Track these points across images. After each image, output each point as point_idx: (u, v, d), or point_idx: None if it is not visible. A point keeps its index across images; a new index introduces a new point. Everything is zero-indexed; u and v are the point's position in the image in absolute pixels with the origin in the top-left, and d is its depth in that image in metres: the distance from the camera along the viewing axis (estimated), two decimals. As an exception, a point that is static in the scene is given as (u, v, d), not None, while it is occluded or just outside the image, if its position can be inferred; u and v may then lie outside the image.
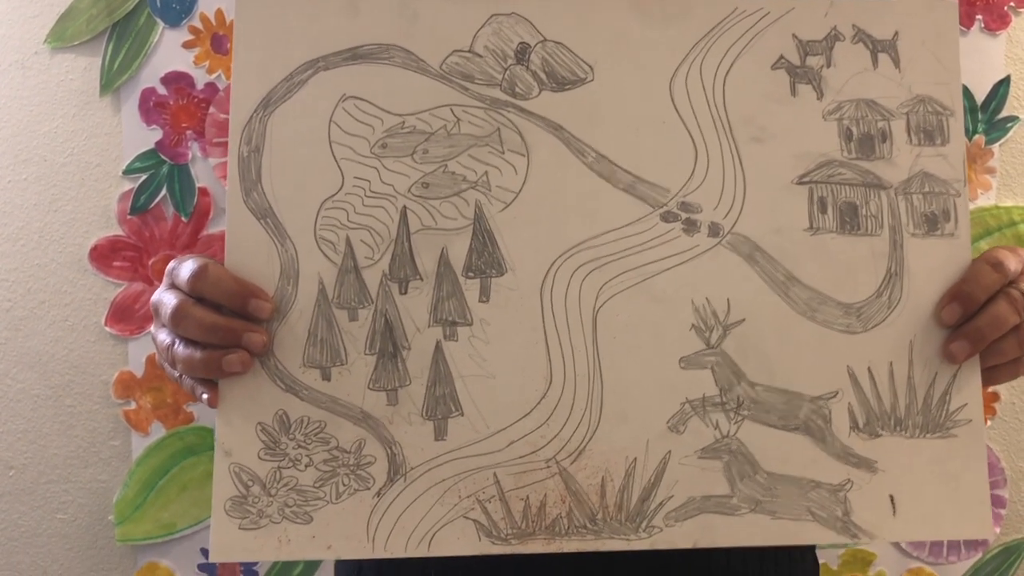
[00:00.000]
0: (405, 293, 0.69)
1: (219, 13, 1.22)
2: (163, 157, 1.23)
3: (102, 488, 1.27)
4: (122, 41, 1.23)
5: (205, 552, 1.25)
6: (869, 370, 0.70)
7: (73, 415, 1.27)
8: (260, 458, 0.68)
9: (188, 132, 1.23)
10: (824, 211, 0.71)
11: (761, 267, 0.70)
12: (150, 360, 1.24)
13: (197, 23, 1.23)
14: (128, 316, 1.25)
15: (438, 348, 0.69)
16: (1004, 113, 1.28)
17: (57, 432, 1.27)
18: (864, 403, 0.70)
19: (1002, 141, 1.28)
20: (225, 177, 1.20)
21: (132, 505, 1.25)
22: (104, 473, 1.27)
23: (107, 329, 1.25)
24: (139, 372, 1.25)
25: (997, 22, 1.27)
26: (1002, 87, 1.28)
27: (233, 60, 0.70)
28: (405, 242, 0.70)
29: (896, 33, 0.73)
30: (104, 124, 1.25)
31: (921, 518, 0.70)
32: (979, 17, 1.26)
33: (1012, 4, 1.27)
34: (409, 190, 0.70)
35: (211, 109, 1.22)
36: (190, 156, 1.23)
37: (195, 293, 0.67)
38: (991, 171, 1.28)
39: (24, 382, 1.26)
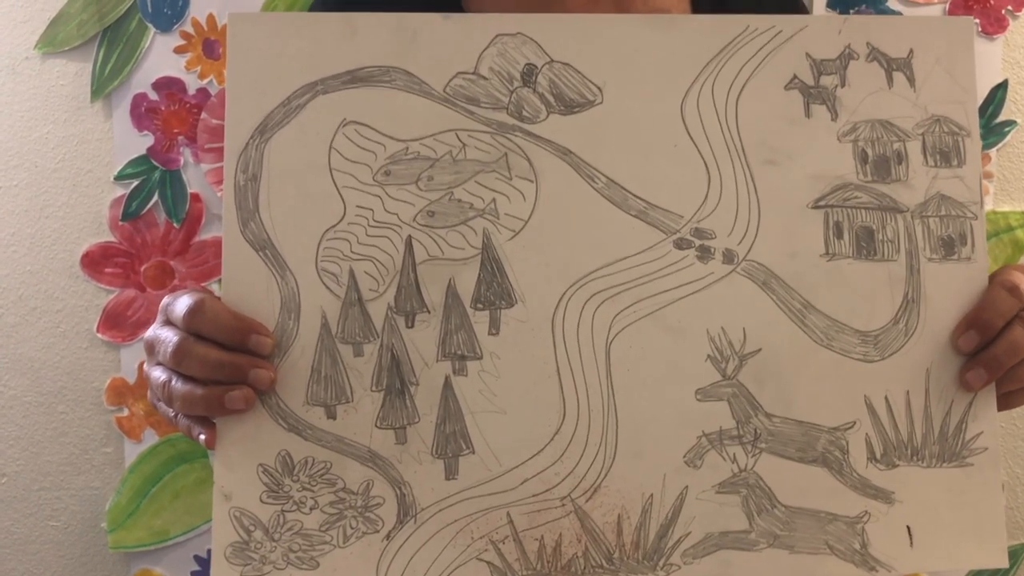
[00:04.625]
0: (412, 326, 0.67)
1: (211, 18, 1.20)
2: (155, 163, 1.22)
3: (95, 495, 1.27)
4: (113, 46, 1.21)
5: (198, 559, 1.25)
6: (886, 399, 0.69)
7: (65, 422, 1.26)
8: (262, 501, 0.66)
9: (180, 138, 1.21)
10: (840, 236, 0.69)
11: (777, 295, 0.69)
12: (143, 367, 1.23)
13: (189, 28, 1.20)
14: (120, 323, 1.24)
15: (447, 383, 0.67)
16: (1001, 117, 1.27)
17: (49, 439, 1.26)
18: (881, 433, 0.69)
19: (1000, 146, 1.27)
20: (218, 183, 1.18)
21: (125, 512, 1.25)
22: (97, 480, 1.26)
23: (99, 336, 1.24)
24: (131, 379, 1.25)
25: (994, 26, 1.25)
26: (999, 91, 1.26)
27: (227, 83, 0.68)
28: (411, 273, 0.67)
29: (911, 51, 0.71)
30: (95, 130, 1.23)
31: (938, 548, 0.69)
32: (976, 21, 1.24)
33: (1010, 8, 1.25)
34: (414, 219, 0.68)
35: (203, 114, 1.20)
36: (182, 162, 1.22)
37: (191, 330, 0.65)
38: (988, 176, 1.27)
39: (16, 389, 1.25)
